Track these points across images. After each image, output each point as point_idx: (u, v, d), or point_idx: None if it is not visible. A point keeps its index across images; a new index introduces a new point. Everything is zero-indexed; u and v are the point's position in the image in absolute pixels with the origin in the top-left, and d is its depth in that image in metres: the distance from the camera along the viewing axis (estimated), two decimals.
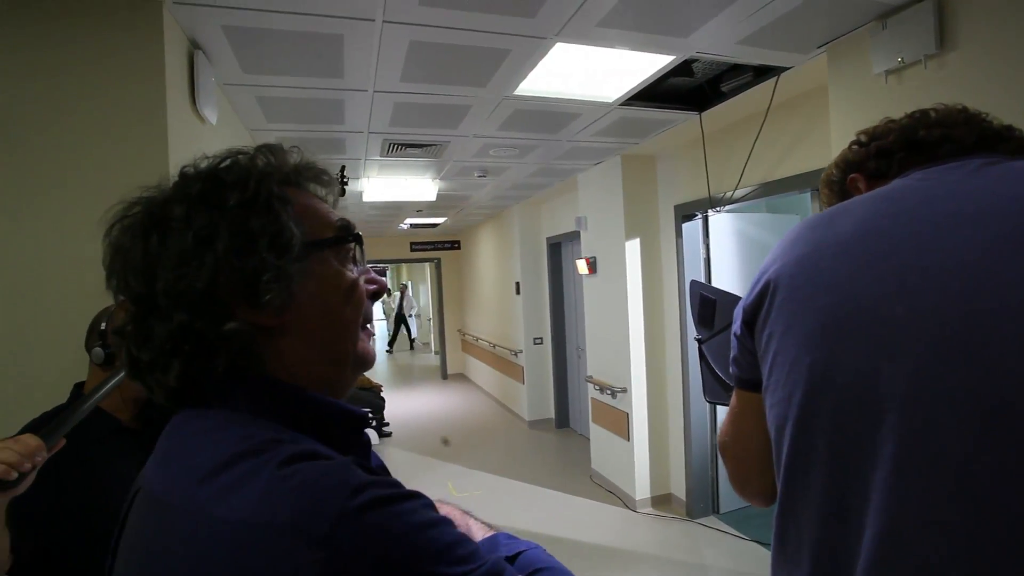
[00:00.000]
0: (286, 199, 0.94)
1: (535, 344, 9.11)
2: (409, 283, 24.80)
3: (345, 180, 4.87)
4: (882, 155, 1.32)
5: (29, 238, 2.12)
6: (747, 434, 1.29)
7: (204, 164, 0.95)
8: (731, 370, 1.30)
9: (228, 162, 0.95)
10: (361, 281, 1.00)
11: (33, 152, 2.13)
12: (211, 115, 2.81)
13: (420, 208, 8.38)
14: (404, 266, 27.31)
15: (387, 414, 9.80)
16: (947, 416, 0.98)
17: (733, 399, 1.33)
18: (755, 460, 1.28)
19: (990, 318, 0.98)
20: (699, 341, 1.77)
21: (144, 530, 0.85)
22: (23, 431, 1.50)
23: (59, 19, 2.16)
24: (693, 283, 1.81)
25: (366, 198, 6.51)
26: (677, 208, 5.37)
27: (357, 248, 1.01)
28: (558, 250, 8.62)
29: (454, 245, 14.37)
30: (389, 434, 9.08)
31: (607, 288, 6.00)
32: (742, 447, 1.31)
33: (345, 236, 0.99)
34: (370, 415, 8.33)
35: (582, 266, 6.32)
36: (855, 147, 1.38)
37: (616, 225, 5.77)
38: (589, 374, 6.46)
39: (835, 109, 3.07)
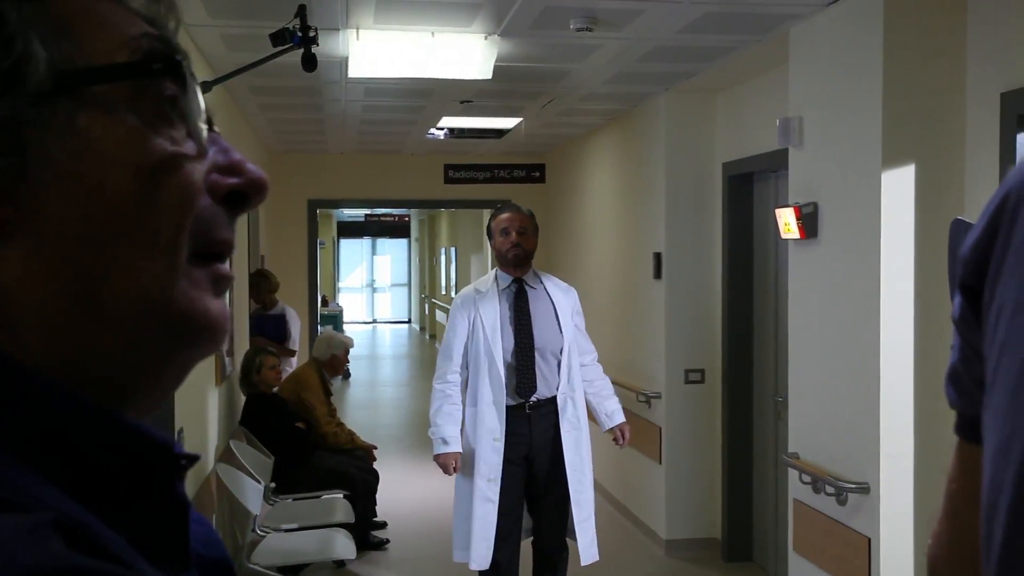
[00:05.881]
0: None
1: (689, 383, 6.42)
2: (451, 250, 17.77)
3: (311, 33, 3.24)
4: None
5: None
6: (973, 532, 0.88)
7: None
8: (948, 396, 0.94)
9: None
10: (191, 161, 0.60)
11: None
12: None
13: (467, 97, 6.45)
14: (444, 217, 19.71)
15: (382, 508, 6.95)
16: None
17: (952, 460, 0.98)
18: None
19: None
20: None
21: None
22: None
23: None
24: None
25: (355, 73, 5.07)
26: (1007, 101, 3.70)
27: (186, 94, 0.61)
28: (746, 188, 6.11)
29: (534, 175, 9.68)
30: (383, 544, 6.57)
31: (839, 268, 4.24)
32: (967, 559, 0.91)
33: (151, 62, 0.60)
34: (344, 496, 5.78)
35: (786, 221, 4.63)
36: None
37: (867, 135, 4.01)
38: (792, 451, 4.58)
39: None
